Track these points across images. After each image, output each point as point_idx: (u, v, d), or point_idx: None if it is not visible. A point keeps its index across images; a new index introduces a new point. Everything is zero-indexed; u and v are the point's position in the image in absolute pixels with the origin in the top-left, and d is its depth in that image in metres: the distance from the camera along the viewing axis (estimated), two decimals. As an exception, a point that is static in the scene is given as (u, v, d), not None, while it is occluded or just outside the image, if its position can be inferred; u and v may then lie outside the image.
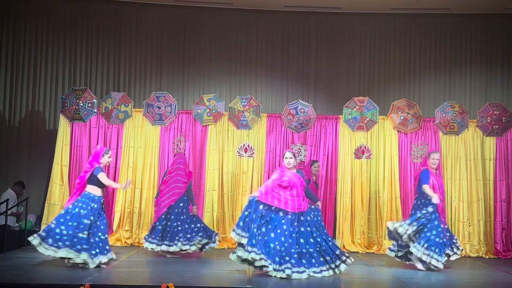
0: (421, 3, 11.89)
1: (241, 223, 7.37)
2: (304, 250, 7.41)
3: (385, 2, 12.00)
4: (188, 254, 9.02)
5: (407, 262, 8.55)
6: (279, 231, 7.34)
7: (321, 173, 10.66)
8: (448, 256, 8.53)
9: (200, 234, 9.04)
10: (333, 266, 7.48)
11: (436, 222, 8.28)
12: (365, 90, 12.19)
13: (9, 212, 9.98)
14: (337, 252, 7.60)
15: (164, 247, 8.85)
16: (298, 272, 7.21)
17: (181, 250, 8.87)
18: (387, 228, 8.57)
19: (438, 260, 8.16)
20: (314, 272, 7.34)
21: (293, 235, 7.39)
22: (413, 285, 7.23)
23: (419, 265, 8.29)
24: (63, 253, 7.56)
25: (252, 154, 10.72)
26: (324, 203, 10.58)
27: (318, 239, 7.53)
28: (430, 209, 8.32)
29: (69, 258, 7.60)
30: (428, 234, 8.22)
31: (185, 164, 9.34)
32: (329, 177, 10.70)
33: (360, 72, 12.51)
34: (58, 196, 10.35)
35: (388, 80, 12.54)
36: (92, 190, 7.88)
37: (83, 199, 7.82)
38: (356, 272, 8.25)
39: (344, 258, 7.61)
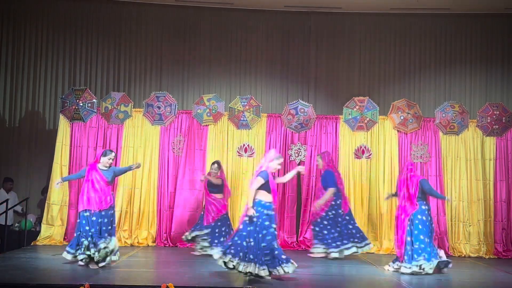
0: (421, 3, 11.89)
1: None
2: None
3: (385, 2, 12.00)
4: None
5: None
6: None
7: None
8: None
9: None
10: None
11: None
12: (365, 90, 12.19)
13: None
14: None
15: None
16: None
17: None
18: None
19: None
20: None
21: None
22: (412, 285, 7.23)
23: None
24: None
25: (252, 154, 10.71)
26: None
27: None
28: None
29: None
30: None
31: None
32: (329, 177, 10.68)
33: (360, 72, 12.51)
34: (58, 196, 10.33)
35: (388, 80, 12.54)
36: None
37: None
38: (356, 272, 8.26)
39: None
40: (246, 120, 10.76)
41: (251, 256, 6.94)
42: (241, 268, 6.98)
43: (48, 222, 10.23)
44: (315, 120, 10.83)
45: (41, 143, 11.88)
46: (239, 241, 7.04)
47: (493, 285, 7.99)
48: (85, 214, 7.70)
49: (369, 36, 12.55)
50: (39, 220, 10.72)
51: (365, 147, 10.70)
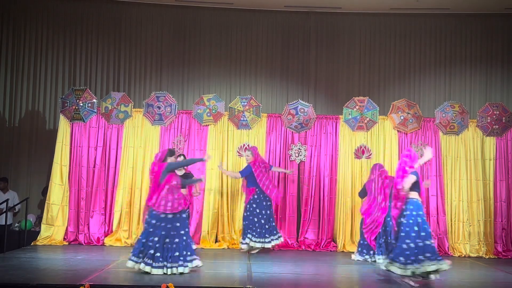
0: (421, 3, 11.89)
1: None
2: None
3: (385, 2, 12.00)
4: None
5: None
6: None
7: (322, 173, 10.67)
8: None
9: None
10: None
11: None
12: (365, 90, 12.20)
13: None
14: None
15: None
16: None
17: None
18: None
19: None
20: None
21: None
22: (412, 285, 7.22)
23: None
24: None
25: (252, 154, 10.70)
26: (324, 203, 10.59)
27: None
28: None
29: None
30: None
31: None
32: (329, 177, 10.69)
33: (360, 72, 12.52)
34: (58, 196, 10.32)
35: (388, 80, 12.55)
36: None
37: None
38: (356, 272, 8.26)
39: None
40: (246, 120, 10.77)
41: (412, 258, 7.11)
42: (400, 271, 7.17)
43: (48, 222, 10.22)
44: (315, 120, 10.83)
45: (41, 143, 11.88)
46: (402, 245, 7.19)
47: (493, 285, 7.99)
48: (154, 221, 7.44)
49: (369, 36, 12.56)
50: (39, 220, 10.73)
51: (365, 147, 10.70)
